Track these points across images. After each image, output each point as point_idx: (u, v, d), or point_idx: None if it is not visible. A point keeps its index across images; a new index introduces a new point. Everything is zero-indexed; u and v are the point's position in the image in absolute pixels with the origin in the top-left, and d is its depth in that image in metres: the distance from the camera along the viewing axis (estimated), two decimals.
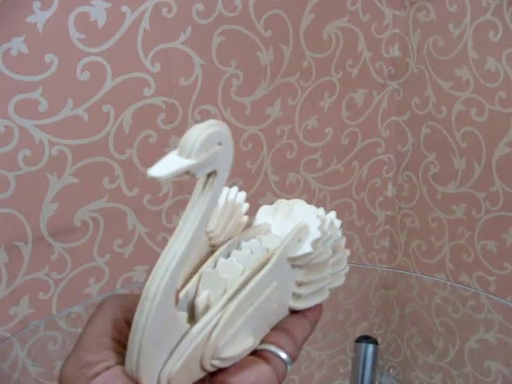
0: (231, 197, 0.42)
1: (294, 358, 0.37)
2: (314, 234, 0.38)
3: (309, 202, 0.43)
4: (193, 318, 0.35)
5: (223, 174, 0.31)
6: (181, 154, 0.29)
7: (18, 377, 0.81)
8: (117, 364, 0.32)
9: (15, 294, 0.80)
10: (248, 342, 0.35)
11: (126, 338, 0.31)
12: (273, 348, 0.36)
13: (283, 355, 0.36)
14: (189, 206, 0.31)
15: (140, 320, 0.30)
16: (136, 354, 0.30)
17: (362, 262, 1.20)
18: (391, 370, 1.22)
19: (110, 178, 0.83)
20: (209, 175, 0.31)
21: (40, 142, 0.75)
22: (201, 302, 0.35)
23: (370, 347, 0.74)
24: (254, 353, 0.36)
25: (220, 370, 0.34)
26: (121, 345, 0.33)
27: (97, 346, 0.32)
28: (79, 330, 0.35)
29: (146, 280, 0.30)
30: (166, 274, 0.30)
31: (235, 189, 0.44)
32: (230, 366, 0.34)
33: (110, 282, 0.88)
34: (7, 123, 0.72)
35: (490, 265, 0.98)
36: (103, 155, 0.81)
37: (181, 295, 0.35)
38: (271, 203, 0.45)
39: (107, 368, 0.31)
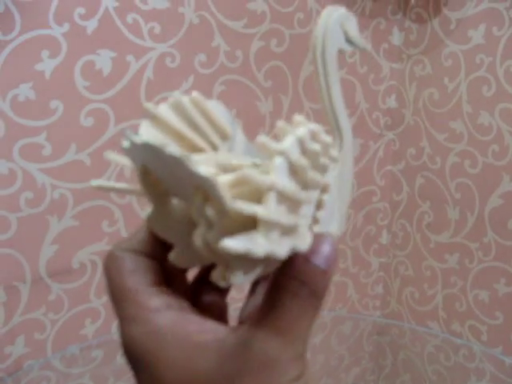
0: None
1: None
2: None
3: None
4: None
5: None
6: None
7: None
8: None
9: (12, 333, 0.80)
10: None
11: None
12: None
13: None
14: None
15: None
16: None
17: (356, 307, 1.21)
18: None
19: (109, 221, 0.84)
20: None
21: (42, 185, 0.77)
22: None
23: None
24: None
25: None
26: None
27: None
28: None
29: None
30: None
31: None
32: None
33: (106, 323, 0.89)
34: (11, 166, 0.74)
35: (481, 314, 0.98)
36: (104, 199, 0.83)
37: None
38: None
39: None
